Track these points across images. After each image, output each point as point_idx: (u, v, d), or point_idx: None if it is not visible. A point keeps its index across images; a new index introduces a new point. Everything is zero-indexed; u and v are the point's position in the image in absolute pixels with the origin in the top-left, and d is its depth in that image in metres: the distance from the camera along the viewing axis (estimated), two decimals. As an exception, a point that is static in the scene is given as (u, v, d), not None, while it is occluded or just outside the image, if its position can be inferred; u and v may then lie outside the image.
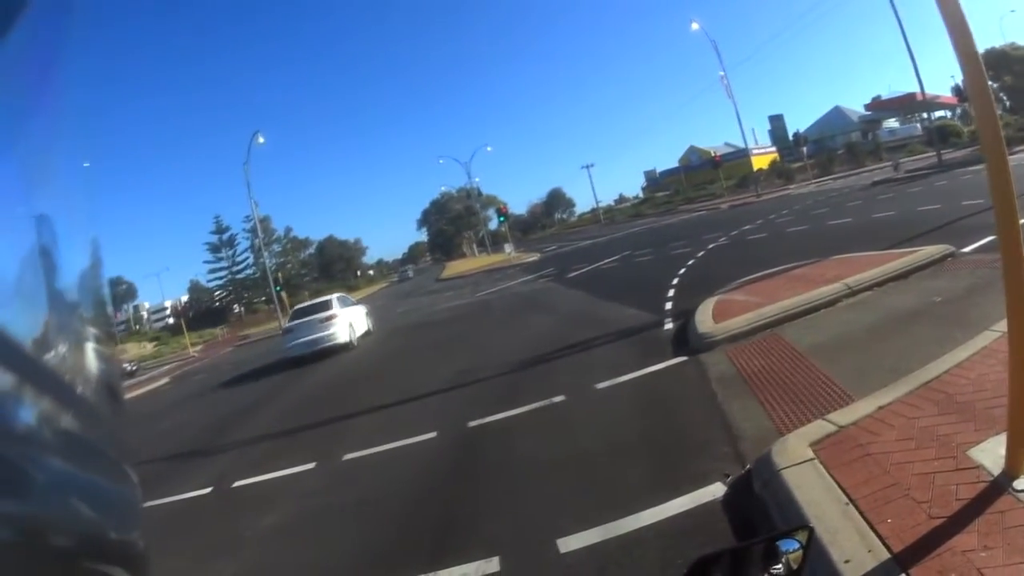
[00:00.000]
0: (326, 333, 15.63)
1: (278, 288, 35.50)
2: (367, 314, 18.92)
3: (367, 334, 17.98)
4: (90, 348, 0.54)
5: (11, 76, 0.47)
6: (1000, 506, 2.66)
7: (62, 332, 0.51)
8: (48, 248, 0.49)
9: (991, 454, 3.05)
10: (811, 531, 1.02)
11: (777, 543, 0.99)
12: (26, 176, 0.49)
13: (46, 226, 0.49)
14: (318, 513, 5.13)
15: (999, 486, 2.80)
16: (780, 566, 0.97)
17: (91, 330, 0.54)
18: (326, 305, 16.53)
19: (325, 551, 4.37)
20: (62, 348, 0.50)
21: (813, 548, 2.66)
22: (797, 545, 0.99)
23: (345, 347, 15.71)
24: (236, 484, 6.48)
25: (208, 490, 6.55)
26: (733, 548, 1.03)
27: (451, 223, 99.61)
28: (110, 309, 0.65)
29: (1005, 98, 56.76)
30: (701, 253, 17.14)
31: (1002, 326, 4.37)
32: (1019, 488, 2.72)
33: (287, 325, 17.14)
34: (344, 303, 17.33)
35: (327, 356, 15.24)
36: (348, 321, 16.38)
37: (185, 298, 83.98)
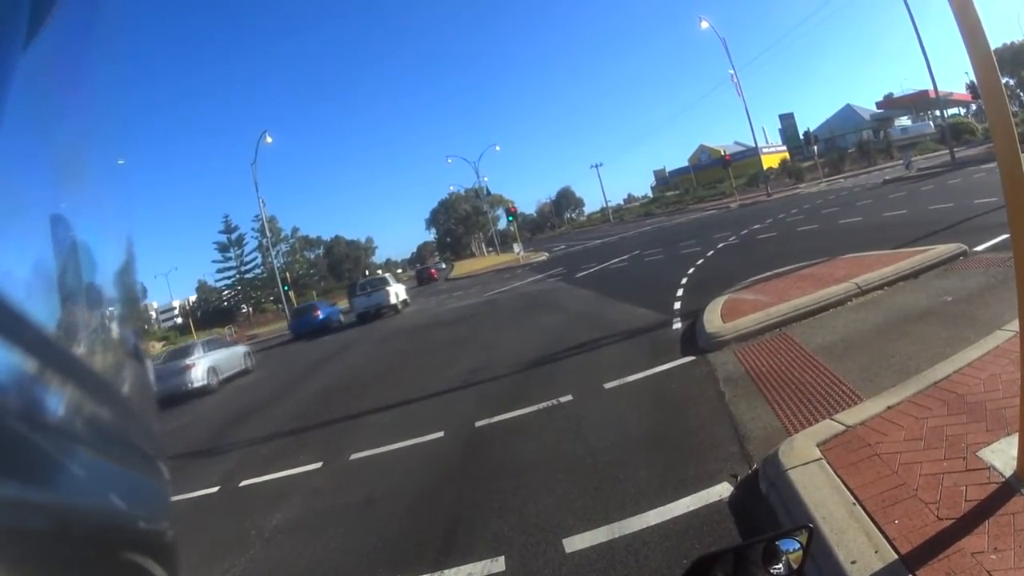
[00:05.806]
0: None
1: (286, 288, 35.73)
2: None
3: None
4: (122, 343, 0.55)
5: (41, 77, 0.47)
6: (1012, 508, 2.62)
7: (95, 327, 0.52)
8: (75, 245, 0.50)
9: (1002, 455, 3.01)
10: (811, 531, 1.02)
11: (778, 543, 0.99)
12: (58, 176, 0.50)
13: (65, 225, 0.49)
14: (325, 511, 5.15)
15: (1010, 488, 2.76)
16: (780, 565, 0.97)
17: (123, 325, 0.56)
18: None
19: (331, 548, 4.38)
20: (95, 343, 0.51)
21: (816, 548, 2.64)
22: (798, 545, 0.98)
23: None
24: (243, 483, 6.51)
25: (216, 489, 6.59)
26: (734, 547, 1.02)
27: (460, 223, 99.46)
28: (142, 306, 0.67)
29: (1022, 94, 56.06)
30: (711, 252, 17.07)
31: (1014, 326, 4.32)
32: (1031, 490, 2.68)
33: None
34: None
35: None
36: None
37: (193, 298, 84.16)
